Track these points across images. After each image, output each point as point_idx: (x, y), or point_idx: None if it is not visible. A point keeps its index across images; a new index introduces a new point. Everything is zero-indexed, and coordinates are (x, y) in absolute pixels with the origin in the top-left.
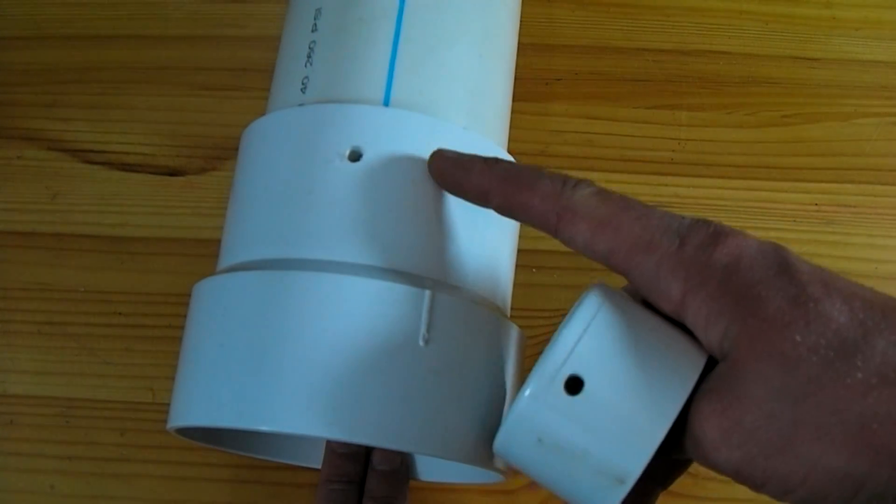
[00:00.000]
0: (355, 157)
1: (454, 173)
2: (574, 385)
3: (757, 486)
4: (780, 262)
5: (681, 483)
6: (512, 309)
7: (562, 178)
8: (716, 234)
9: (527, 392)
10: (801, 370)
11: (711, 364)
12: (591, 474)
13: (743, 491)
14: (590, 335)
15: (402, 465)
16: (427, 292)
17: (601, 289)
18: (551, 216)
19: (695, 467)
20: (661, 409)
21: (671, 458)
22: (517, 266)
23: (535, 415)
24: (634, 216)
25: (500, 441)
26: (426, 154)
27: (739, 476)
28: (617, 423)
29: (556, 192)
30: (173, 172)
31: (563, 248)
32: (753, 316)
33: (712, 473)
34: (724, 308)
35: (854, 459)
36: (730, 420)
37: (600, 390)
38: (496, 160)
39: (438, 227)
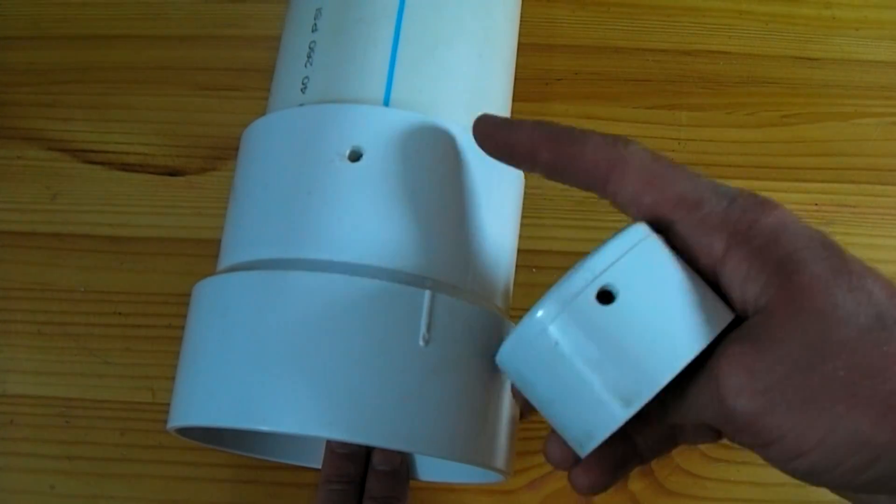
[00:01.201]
0: (355, 157)
1: (501, 133)
2: (605, 297)
3: (767, 443)
4: (824, 238)
5: (681, 483)
6: (512, 309)
7: (612, 135)
8: (764, 202)
9: (558, 291)
10: (839, 330)
11: (732, 327)
12: (598, 390)
13: (742, 491)
14: (633, 254)
15: (402, 465)
16: (427, 292)
17: (647, 224)
18: (602, 166)
19: (693, 466)
20: (687, 340)
21: (668, 419)
22: (517, 266)
23: (560, 314)
24: (685, 175)
25: (515, 340)
26: (426, 154)
27: (752, 428)
28: (640, 343)
29: (609, 144)
30: (173, 172)
31: (562, 248)
32: (796, 274)
33: (711, 473)
34: (766, 265)
35: (877, 427)
36: (760, 364)
37: (631, 307)
38: (543, 121)
39: (439, 227)
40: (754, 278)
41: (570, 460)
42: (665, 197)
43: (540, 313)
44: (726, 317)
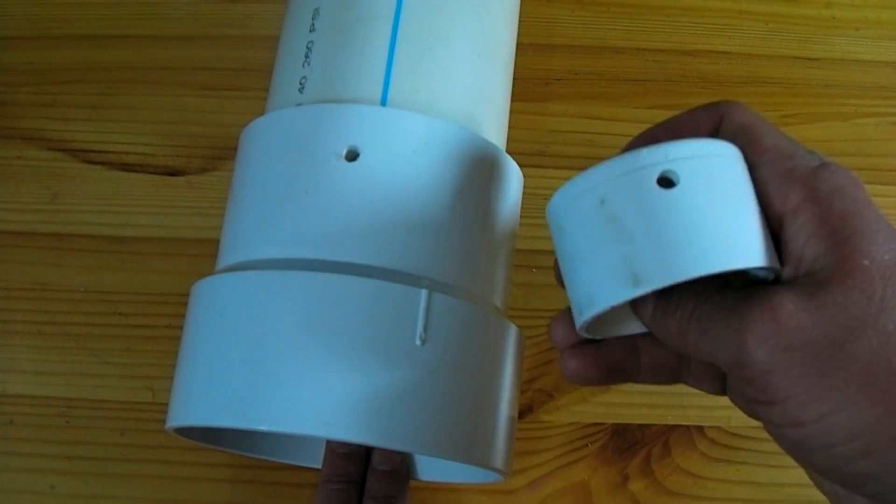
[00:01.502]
0: (352, 156)
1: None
2: (666, 182)
3: (769, 402)
4: None
5: (681, 483)
6: (511, 309)
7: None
8: (856, 176)
9: (627, 157)
10: (880, 320)
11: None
12: (617, 259)
13: (742, 491)
14: (712, 160)
15: (402, 465)
16: (424, 292)
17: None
18: (715, 118)
19: (693, 466)
20: (722, 254)
21: (682, 347)
22: (517, 266)
23: (619, 178)
24: (781, 133)
25: (568, 188)
26: (423, 154)
27: (761, 381)
28: (677, 235)
29: (711, 104)
30: (173, 172)
31: None
32: (862, 253)
33: (711, 473)
34: (837, 231)
35: (879, 424)
36: (794, 322)
37: (686, 201)
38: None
39: (436, 227)
40: (822, 238)
41: (570, 342)
42: (758, 142)
43: (601, 169)
44: (774, 264)
